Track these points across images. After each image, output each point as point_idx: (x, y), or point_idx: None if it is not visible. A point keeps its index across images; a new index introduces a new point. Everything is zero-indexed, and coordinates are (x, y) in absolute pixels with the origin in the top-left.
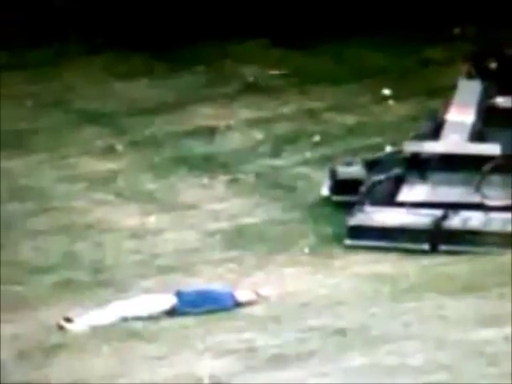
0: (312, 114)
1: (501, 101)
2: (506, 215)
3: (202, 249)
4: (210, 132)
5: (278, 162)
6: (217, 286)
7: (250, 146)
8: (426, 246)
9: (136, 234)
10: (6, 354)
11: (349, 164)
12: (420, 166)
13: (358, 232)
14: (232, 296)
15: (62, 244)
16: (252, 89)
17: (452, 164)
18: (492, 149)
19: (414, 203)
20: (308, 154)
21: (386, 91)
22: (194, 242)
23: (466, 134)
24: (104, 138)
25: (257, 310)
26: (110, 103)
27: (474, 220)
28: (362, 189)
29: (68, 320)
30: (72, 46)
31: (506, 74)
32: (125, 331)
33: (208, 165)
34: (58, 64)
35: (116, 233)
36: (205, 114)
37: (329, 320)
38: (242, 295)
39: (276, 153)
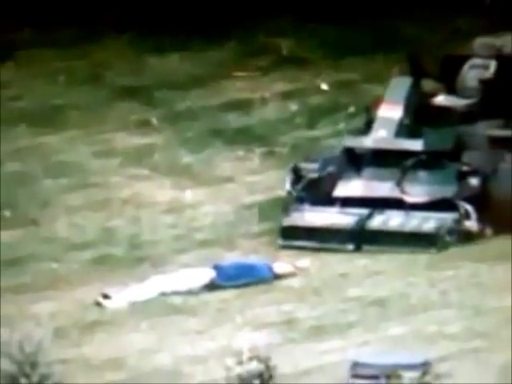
0: (346, 85)
1: (440, 99)
2: (424, 214)
3: (239, 222)
4: (245, 105)
5: (313, 134)
6: (255, 259)
7: (285, 118)
8: (350, 246)
9: (173, 209)
10: (45, 331)
11: (313, 161)
12: (354, 162)
13: (290, 232)
14: (270, 268)
15: (99, 220)
16: (286, 62)
17: (382, 159)
18: (414, 145)
19: (346, 199)
20: (343, 125)
21: (324, 86)
22: (230, 215)
23: (392, 129)
24: (138, 113)
25: (295, 282)
26: (143, 78)
27: (394, 220)
28: (298, 187)
29: (106, 296)
30: (102, 23)
31: (449, 73)
32: (164, 306)
33: (243, 137)
34: (88, 41)
35: (153, 208)
36: (239, 87)
37: (367, 290)
38: (280, 267)
39: (311, 124)
